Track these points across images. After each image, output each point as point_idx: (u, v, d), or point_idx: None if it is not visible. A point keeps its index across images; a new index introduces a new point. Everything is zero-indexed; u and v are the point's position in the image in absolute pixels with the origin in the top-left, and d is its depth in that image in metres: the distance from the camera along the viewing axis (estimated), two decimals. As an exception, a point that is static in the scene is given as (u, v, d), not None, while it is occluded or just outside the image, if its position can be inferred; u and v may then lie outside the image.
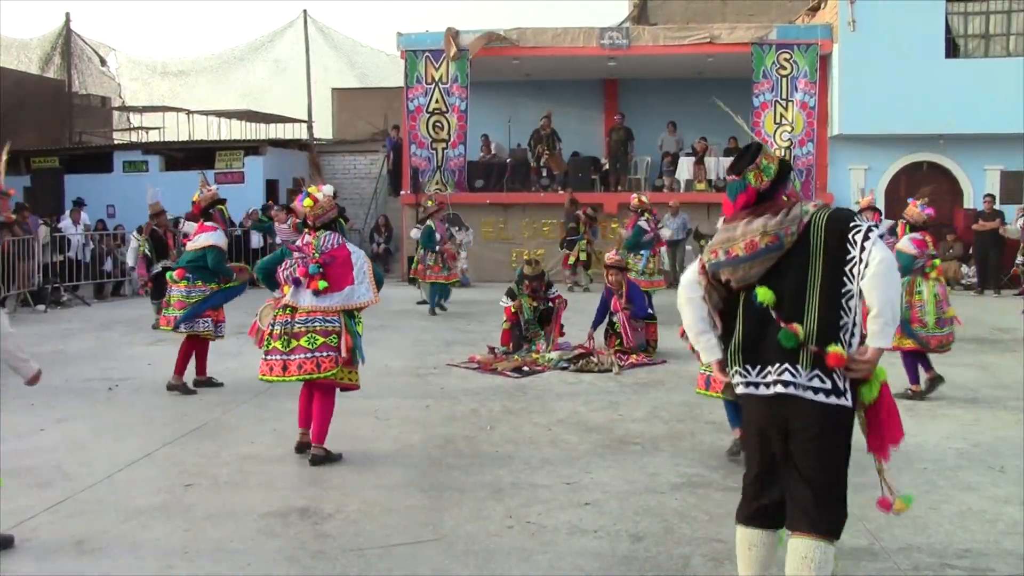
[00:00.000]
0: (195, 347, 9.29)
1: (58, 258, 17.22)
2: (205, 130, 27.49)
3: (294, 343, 6.49)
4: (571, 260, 18.27)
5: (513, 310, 10.95)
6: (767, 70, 20.10)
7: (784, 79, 20.08)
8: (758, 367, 3.82)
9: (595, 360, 10.22)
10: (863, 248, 3.65)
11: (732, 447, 6.78)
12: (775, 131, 20.13)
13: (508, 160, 21.41)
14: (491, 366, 10.21)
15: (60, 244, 17.42)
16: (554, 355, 10.44)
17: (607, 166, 22.02)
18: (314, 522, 5.48)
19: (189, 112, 26.93)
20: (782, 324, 3.72)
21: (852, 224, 3.71)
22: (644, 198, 14.09)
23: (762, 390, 3.81)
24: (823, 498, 3.73)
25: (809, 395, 3.70)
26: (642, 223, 13.54)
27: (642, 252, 13.48)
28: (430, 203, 15.64)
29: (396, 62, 22.41)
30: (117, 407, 8.68)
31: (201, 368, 9.44)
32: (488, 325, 13.07)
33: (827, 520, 3.73)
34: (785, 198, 3.94)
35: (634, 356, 10.58)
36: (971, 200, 19.74)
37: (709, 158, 20.84)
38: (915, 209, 8.98)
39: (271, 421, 7.94)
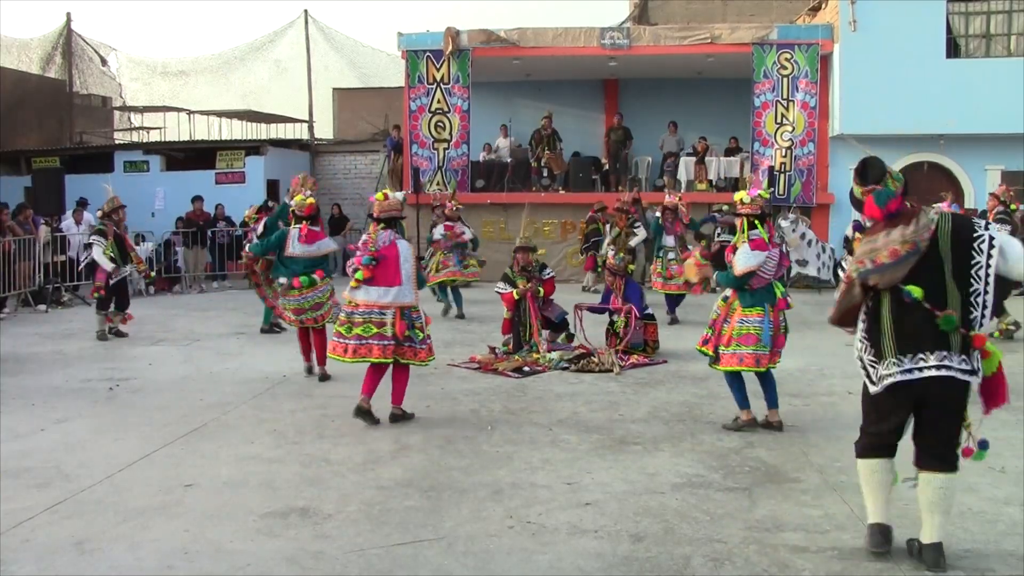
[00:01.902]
0: (317, 338, 9.66)
1: (59, 258, 17.20)
2: (206, 130, 27.50)
3: (355, 330, 7.54)
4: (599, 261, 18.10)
5: (516, 296, 10.89)
6: (768, 70, 20.08)
7: (785, 79, 20.06)
8: (910, 355, 4.62)
9: (596, 360, 10.22)
10: (989, 255, 4.56)
11: (735, 423, 7.56)
12: (776, 131, 20.10)
13: (509, 160, 21.41)
14: (492, 366, 10.20)
15: (61, 244, 17.41)
16: (554, 355, 10.43)
17: (607, 166, 22.02)
18: (314, 522, 5.47)
19: (190, 112, 26.93)
20: (938, 312, 4.53)
21: (976, 235, 4.59)
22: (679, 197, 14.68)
23: (915, 374, 4.61)
24: (951, 446, 4.74)
25: (957, 375, 4.58)
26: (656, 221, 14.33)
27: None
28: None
29: (397, 62, 22.40)
30: (117, 407, 8.68)
31: (321, 358, 9.68)
32: (488, 325, 13.07)
33: (952, 460, 4.74)
34: (910, 205, 4.73)
35: (635, 356, 10.58)
36: (972, 200, 19.71)
37: (710, 158, 20.83)
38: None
39: (270, 422, 7.93)
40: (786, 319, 7.63)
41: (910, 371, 4.61)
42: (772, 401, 7.58)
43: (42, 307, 15.80)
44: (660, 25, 22.37)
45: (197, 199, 19.87)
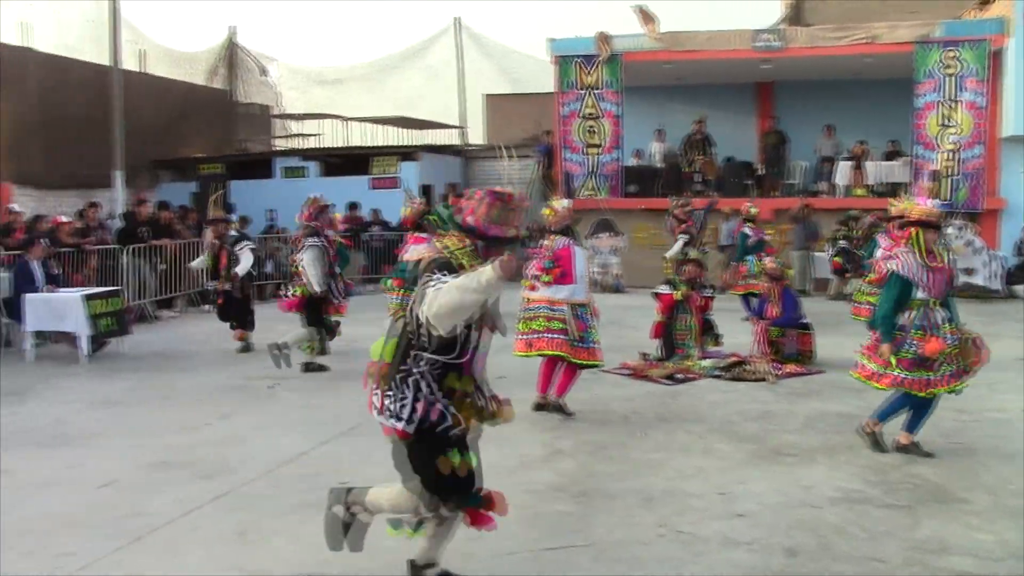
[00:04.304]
0: None
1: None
2: (361, 136, 28.15)
3: (532, 324, 7.99)
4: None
5: (677, 297, 10.74)
6: (931, 69, 19.19)
7: (950, 78, 19.13)
8: None
9: (750, 368, 10.01)
10: None
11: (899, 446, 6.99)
12: (939, 133, 19.22)
13: (661, 165, 21.19)
14: (644, 373, 10.10)
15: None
16: (707, 363, 10.26)
17: (761, 171, 21.55)
18: (465, 524, 5.51)
19: (345, 119, 27.60)
20: None
21: None
22: (753, 208, 14.75)
23: None
24: None
25: None
26: (746, 229, 14.30)
27: (748, 257, 14.07)
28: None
29: (547, 67, 22.45)
30: (277, 405, 8.99)
31: None
32: (641, 332, 12.91)
33: None
34: None
35: (790, 365, 10.31)
36: None
37: (868, 162, 20.09)
38: None
39: (423, 422, 8.04)
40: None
41: None
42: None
43: (207, 307, 16.47)
44: (815, 26, 21.73)
45: (353, 206, 20.35)
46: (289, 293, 10.67)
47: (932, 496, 6.03)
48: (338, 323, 11.26)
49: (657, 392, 9.33)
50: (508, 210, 4.25)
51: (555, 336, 7.94)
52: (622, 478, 6.42)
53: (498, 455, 6.99)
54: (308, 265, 10.36)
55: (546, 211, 8.57)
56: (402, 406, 4.26)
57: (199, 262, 12.66)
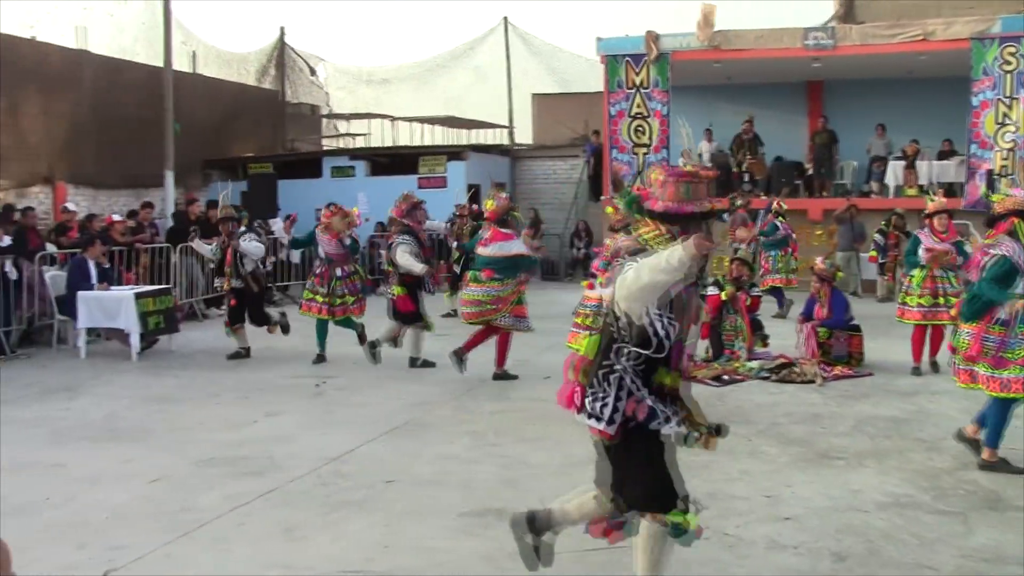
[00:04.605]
0: (498, 336, 9.95)
1: (270, 259, 18.08)
2: (408, 136, 28.30)
3: (587, 321, 8.17)
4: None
5: (723, 298, 10.67)
6: (988, 66, 18.81)
7: (1008, 75, 18.69)
8: None
9: (797, 371, 9.90)
10: None
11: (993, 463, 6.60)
12: (996, 132, 18.84)
13: (709, 165, 21.00)
14: (690, 373, 10.01)
15: (274, 247, 18.27)
16: (755, 364, 10.16)
17: (811, 171, 21.32)
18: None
19: (393, 119, 27.75)
20: None
21: None
22: (783, 203, 15.65)
23: None
24: None
25: None
26: (777, 223, 14.99)
27: (772, 252, 14.74)
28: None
29: (595, 67, 22.39)
30: (323, 403, 9.05)
31: (501, 360, 10.07)
32: (686, 332, 12.87)
33: None
34: None
35: (838, 368, 10.19)
36: None
37: (921, 162, 19.76)
38: None
39: (470, 422, 8.07)
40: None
41: None
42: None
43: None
44: (868, 23, 21.42)
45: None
46: (392, 293, 10.85)
47: (986, 503, 5.91)
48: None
49: (703, 393, 9.24)
50: (696, 183, 4.04)
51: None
52: (667, 480, 6.38)
53: (544, 455, 7.00)
54: (401, 259, 10.56)
55: (608, 210, 8.64)
56: (603, 405, 4.04)
57: (209, 250, 12.16)
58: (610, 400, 4.01)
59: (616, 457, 4.14)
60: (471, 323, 9.88)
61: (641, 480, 4.13)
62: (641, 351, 3.99)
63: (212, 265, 12.24)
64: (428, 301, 11.11)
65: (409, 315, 10.73)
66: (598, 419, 4.03)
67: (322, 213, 11.36)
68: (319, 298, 11.02)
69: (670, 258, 3.67)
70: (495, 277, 9.56)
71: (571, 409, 4.19)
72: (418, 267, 10.48)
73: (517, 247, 9.78)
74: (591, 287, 8.23)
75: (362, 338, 11.18)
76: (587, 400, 4.08)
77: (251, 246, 11.67)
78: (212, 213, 17.26)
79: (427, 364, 10.70)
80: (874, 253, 16.72)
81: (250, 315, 11.71)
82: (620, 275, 3.90)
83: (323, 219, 11.37)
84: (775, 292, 14.76)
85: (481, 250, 9.79)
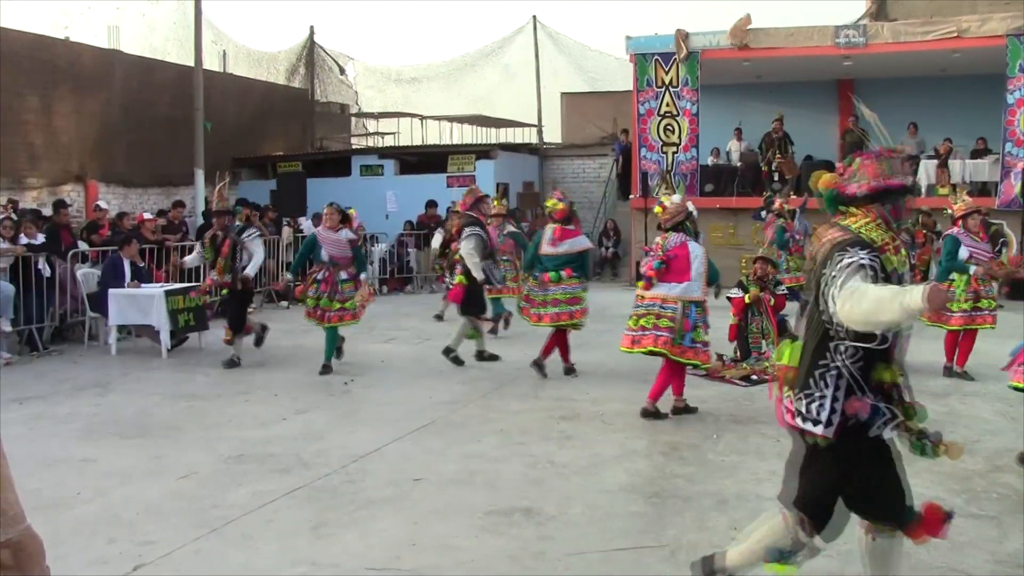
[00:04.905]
0: (560, 338, 10.09)
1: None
2: (437, 135, 28.32)
3: (641, 321, 8.04)
4: None
5: (747, 300, 10.60)
6: (1024, 63, 18.57)
7: (1045, 72, 18.46)
8: None
9: (827, 371, 9.78)
10: None
11: None
12: (1032, 131, 18.60)
13: (738, 164, 20.92)
14: (719, 373, 9.99)
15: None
16: (784, 364, 10.07)
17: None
18: (537, 523, 5.51)
19: (422, 117, 27.79)
20: None
21: None
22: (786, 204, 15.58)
23: None
24: None
25: None
26: (780, 223, 15.15)
27: (781, 253, 14.70)
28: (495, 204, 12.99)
29: (624, 66, 22.32)
30: (351, 401, 9.08)
31: (565, 355, 10.17)
32: (717, 332, 12.76)
33: None
34: None
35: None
36: None
37: (954, 161, 19.52)
38: None
39: (496, 421, 8.06)
40: None
41: None
42: None
43: (284, 303, 16.73)
44: (900, 21, 21.19)
45: (431, 204, 20.40)
46: (452, 282, 11.07)
47: (1021, 507, 5.81)
48: (510, 313, 12.06)
49: (732, 393, 9.22)
50: (896, 160, 3.89)
51: (661, 334, 7.96)
52: (695, 480, 6.35)
53: (570, 454, 6.98)
54: (467, 254, 10.69)
55: (656, 209, 8.56)
56: (820, 406, 3.80)
57: (193, 259, 11.93)
58: (827, 401, 3.80)
59: (820, 462, 3.90)
60: (555, 325, 9.95)
61: (883, 489, 3.90)
62: (863, 345, 3.75)
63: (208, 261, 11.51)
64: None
65: (465, 306, 10.84)
66: (815, 422, 3.81)
67: (324, 212, 10.95)
68: (323, 303, 10.43)
69: (903, 300, 3.43)
70: (574, 275, 9.87)
71: (785, 425, 4.03)
72: (478, 273, 10.60)
73: (584, 243, 10.16)
74: (648, 287, 8.13)
75: (339, 352, 10.83)
76: (801, 405, 3.88)
77: (260, 250, 11.34)
78: (243, 212, 17.38)
79: (458, 361, 10.64)
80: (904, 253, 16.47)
81: (230, 316, 11.10)
82: (842, 280, 3.66)
83: (325, 218, 10.89)
84: (792, 293, 14.56)
85: (551, 249, 9.92)
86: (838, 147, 21.81)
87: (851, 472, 3.85)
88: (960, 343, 9.94)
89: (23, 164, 17.34)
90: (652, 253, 8.26)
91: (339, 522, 5.57)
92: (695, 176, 20.33)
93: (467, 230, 10.88)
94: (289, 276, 10.07)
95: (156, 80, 20.65)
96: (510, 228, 13.04)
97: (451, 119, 27.91)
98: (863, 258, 3.68)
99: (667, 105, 20.36)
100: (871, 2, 24.87)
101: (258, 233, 11.71)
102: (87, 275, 12.71)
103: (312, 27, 27.98)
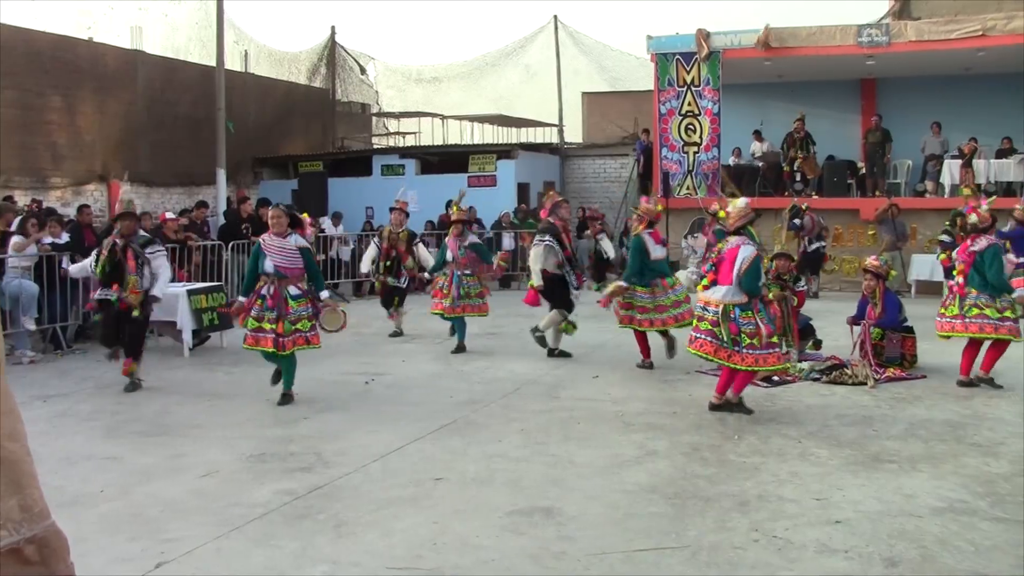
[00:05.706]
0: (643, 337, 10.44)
1: (319, 257, 18.25)
2: (458, 135, 28.37)
3: (701, 324, 8.09)
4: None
5: (771, 298, 10.52)
6: (1051, 62, 18.39)
7: (1072, 70, 18.28)
8: None
9: (849, 372, 9.77)
10: None
11: None
12: (1058, 129, 18.43)
13: (760, 164, 20.85)
14: (788, 375, 9.91)
15: (324, 244, 18.44)
16: (805, 365, 10.05)
17: (864, 170, 21.03)
18: (558, 523, 5.51)
19: (443, 117, 27.84)
20: None
21: None
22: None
23: None
24: None
25: None
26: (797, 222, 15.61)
27: None
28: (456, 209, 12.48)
29: (645, 65, 22.29)
30: (372, 401, 9.09)
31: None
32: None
33: None
34: None
35: (891, 370, 10.04)
36: None
37: (978, 160, 19.36)
38: None
39: (518, 421, 8.06)
40: None
41: None
42: None
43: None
44: (924, 20, 21.04)
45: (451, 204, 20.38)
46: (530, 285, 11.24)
47: (1045, 510, 5.78)
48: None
49: (754, 394, 9.17)
50: None
51: (701, 336, 8.05)
52: (716, 481, 6.33)
53: (591, 454, 6.98)
54: (532, 262, 10.98)
55: (721, 214, 8.64)
56: None
57: (79, 268, 10.47)
58: None
59: None
60: (680, 325, 10.12)
61: None
62: None
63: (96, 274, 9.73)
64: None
65: (552, 303, 11.01)
66: None
67: (269, 215, 9.17)
68: (266, 325, 8.62)
69: None
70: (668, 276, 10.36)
71: None
72: (536, 280, 10.85)
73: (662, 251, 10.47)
74: (706, 288, 8.17)
75: (276, 378, 9.09)
76: None
77: (164, 271, 9.76)
78: (263, 211, 17.45)
79: (564, 354, 11.02)
80: (944, 255, 16.10)
81: (128, 339, 9.60)
82: None
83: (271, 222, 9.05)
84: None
85: (661, 253, 10.29)
86: (860, 147, 21.71)
87: None
88: (987, 350, 9.34)
89: (47, 164, 17.49)
90: (707, 257, 8.57)
91: (360, 521, 5.58)
92: (716, 176, 20.27)
93: (538, 237, 11.04)
94: (241, 298, 8.86)
95: (178, 80, 20.78)
96: (472, 239, 12.09)
97: (472, 119, 27.95)
98: None
99: (688, 104, 20.33)
100: (894, 1, 24.70)
101: (163, 251, 10.00)
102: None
103: (333, 27, 28.12)
